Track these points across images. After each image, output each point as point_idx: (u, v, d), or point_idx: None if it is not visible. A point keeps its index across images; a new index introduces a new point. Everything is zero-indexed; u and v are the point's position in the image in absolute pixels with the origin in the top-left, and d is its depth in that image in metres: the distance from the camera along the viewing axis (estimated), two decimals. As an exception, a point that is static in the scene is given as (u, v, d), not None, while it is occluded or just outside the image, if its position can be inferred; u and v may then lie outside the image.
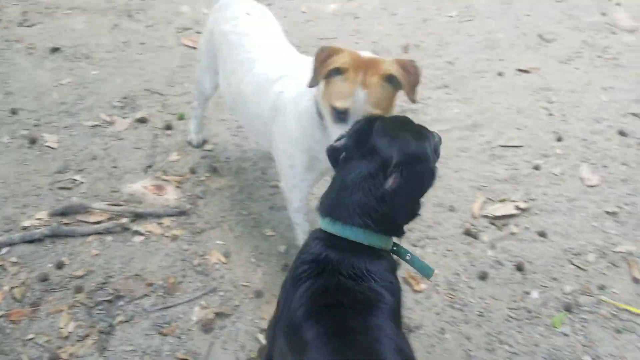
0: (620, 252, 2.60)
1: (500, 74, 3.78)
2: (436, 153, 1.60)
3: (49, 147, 3.02)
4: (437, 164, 1.58)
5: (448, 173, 2.98)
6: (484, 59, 3.94)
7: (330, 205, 1.53)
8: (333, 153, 1.61)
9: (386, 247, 1.56)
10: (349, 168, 1.51)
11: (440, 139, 1.65)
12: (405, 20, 4.38)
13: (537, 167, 3.06)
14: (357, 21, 4.34)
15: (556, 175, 3.02)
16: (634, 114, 3.45)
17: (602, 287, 2.43)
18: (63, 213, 2.63)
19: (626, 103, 3.55)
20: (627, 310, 2.35)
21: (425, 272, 1.65)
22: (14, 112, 3.23)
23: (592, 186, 2.96)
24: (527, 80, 3.74)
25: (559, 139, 3.24)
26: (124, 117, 3.27)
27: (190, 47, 3.93)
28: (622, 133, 3.29)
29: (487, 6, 4.57)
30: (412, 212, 1.56)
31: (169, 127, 3.21)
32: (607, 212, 2.80)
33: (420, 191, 1.54)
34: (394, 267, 1.58)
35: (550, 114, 3.44)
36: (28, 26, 4.04)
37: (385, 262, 1.53)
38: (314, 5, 4.53)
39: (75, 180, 2.83)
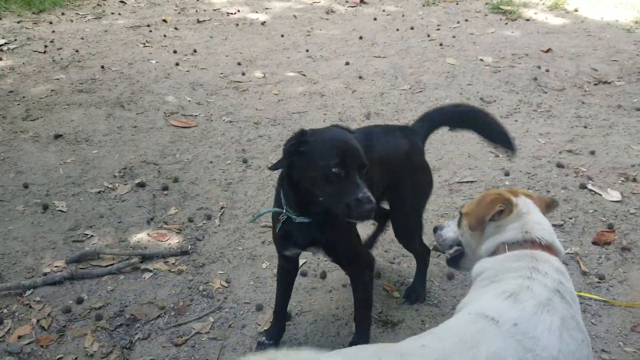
0: (569, 253, 3.03)
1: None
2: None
3: (60, 210, 3.38)
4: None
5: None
6: (437, 119, 4.53)
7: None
8: None
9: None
10: None
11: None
12: (364, 95, 5.00)
13: (490, 197, 3.53)
14: (323, 98, 4.95)
15: (507, 201, 3.49)
16: (569, 151, 4.02)
17: (555, 281, 2.83)
18: (78, 260, 2.95)
19: (561, 143, 4.13)
20: (579, 296, 2.73)
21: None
22: (25, 186, 3.61)
23: (538, 207, 3.43)
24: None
25: (507, 174, 3.76)
26: (124, 184, 3.68)
27: (178, 126, 4.43)
28: (559, 165, 3.83)
29: (435, 80, 5.26)
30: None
31: (165, 188, 3.62)
32: (554, 225, 3.24)
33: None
34: None
35: (497, 156, 3.98)
36: (32, 120, 4.50)
37: None
38: (284, 88, 5.16)
39: (87, 234, 3.18)
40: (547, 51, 5.86)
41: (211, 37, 6.53)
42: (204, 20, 7.10)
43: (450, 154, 4.03)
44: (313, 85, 5.24)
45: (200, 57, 5.92)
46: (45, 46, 6.11)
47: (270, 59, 5.91)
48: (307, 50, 6.09)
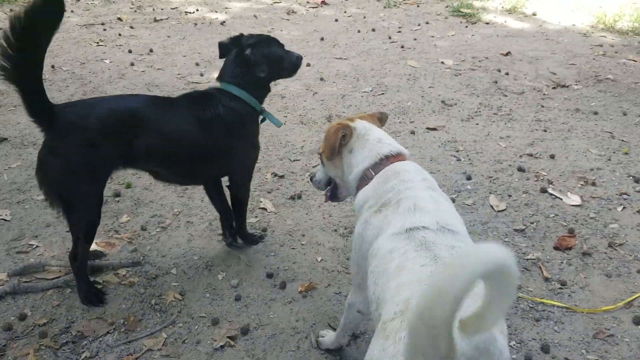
0: (531, 258, 3.01)
1: (412, 132, 4.31)
2: (292, 60, 2.84)
3: (3, 219, 3.17)
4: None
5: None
6: (398, 122, 4.49)
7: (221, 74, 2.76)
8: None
9: (255, 107, 2.71)
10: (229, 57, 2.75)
11: (299, 57, 2.88)
12: (326, 97, 4.92)
13: (452, 200, 3.49)
14: (284, 100, 4.85)
15: (469, 205, 3.47)
16: (529, 154, 4.02)
17: (519, 287, 2.80)
18: (22, 272, 2.76)
19: (522, 147, 4.14)
20: (542, 303, 2.71)
21: (276, 122, 2.83)
22: (-36, 193, 3.39)
23: (500, 211, 3.41)
24: (435, 136, 4.29)
25: (469, 178, 3.73)
26: (74, 190, 3.49)
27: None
28: (520, 169, 3.83)
29: (396, 82, 5.23)
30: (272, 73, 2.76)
31: (117, 195, 3.45)
32: (516, 230, 3.24)
33: (273, 65, 2.74)
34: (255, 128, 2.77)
35: (459, 160, 3.96)
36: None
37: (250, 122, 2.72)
38: (244, 91, 5.03)
39: (32, 245, 2.99)
40: (507, 55, 5.90)
41: (168, 36, 6.34)
42: (161, 19, 6.90)
43: (412, 157, 3.97)
44: (273, 87, 5.12)
45: (156, 57, 5.73)
46: None
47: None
48: (267, 51, 5.96)
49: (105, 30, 6.44)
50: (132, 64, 5.47)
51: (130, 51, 5.82)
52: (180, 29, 6.65)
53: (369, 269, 1.77)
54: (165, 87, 5.01)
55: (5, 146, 3.96)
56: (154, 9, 7.27)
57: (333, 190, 2.33)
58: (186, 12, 7.20)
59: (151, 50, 5.86)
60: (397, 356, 1.35)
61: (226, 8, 7.46)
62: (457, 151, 4.07)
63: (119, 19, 6.82)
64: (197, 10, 7.32)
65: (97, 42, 6.03)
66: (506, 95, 4.99)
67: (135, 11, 7.19)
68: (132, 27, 6.56)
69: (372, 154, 2.04)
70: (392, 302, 1.50)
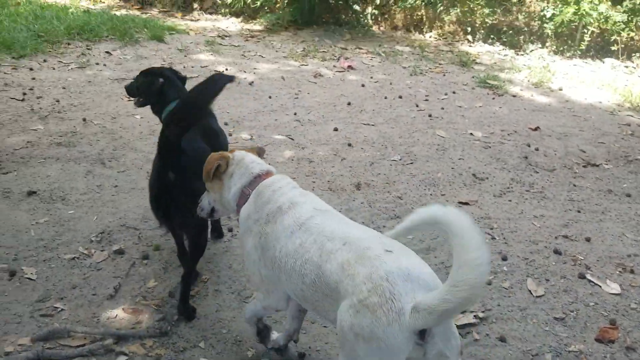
0: (574, 351, 2.87)
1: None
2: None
3: (29, 278, 3.10)
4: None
5: (410, 290, 3.25)
6: (428, 194, 4.43)
7: None
8: None
9: None
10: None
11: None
12: (354, 163, 4.90)
13: (488, 283, 3.38)
14: (312, 164, 4.82)
15: (506, 288, 3.35)
16: (564, 236, 3.93)
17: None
18: (46, 338, 2.66)
19: (557, 228, 4.05)
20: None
21: None
22: (-9, 248, 3.33)
23: (539, 297, 3.29)
24: (467, 210, 4.22)
25: (504, 259, 3.63)
26: (101, 250, 3.42)
27: (161, 188, 4.22)
28: (557, 252, 3.72)
29: (425, 152, 5.21)
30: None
31: (146, 257, 3.38)
32: (556, 318, 3.11)
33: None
34: None
35: (493, 238, 3.87)
36: (3, 173, 4.24)
37: None
38: (272, 152, 5.02)
39: (57, 307, 2.90)
40: (536, 129, 5.90)
41: (198, 94, 6.41)
42: (191, 77, 6.98)
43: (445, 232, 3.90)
44: (301, 151, 5.12)
45: (186, 114, 5.77)
46: (24, 94, 5.90)
47: (258, 120, 5.80)
48: (295, 114, 6.01)
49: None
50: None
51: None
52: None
53: (287, 268, 2.15)
54: (194, 146, 5.01)
55: (34, 200, 3.93)
56: (184, 67, 7.39)
57: (211, 211, 2.61)
58: (215, 71, 7.32)
59: (181, 108, 5.90)
60: (392, 324, 1.74)
61: (254, 69, 7.58)
62: (491, 229, 3.99)
63: (150, 74, 6.94)
64: (227, 69, 7.44)
65: (129, 97, 6.09)
66: (537, 172, 4.94)
67: (166, 67, 7.32)
68: (162, 83, 6.65)
69: (246, 174, 2.43)
70: (352, 281, 1.88)
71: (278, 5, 10.09)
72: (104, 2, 11.09)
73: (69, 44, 7.82)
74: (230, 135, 5.33)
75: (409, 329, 1.73)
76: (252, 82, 7.02)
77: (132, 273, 3.24)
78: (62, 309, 2.89)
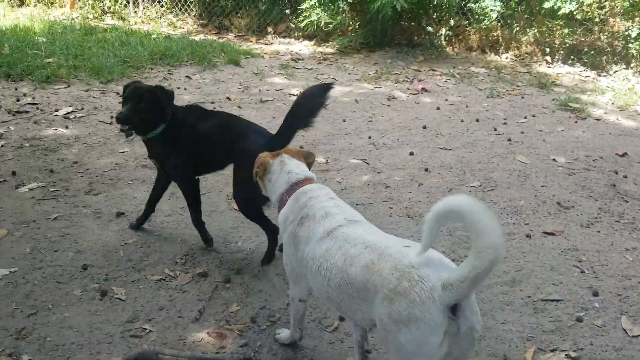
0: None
1: (528, 236, 4.09)
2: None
3: (119, 298, 3.22)
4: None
5: (496, 325, 3.14)
6: (511, 223, 4.28)
7: None
8: None
9: None
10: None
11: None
12: (432, 189, 4.81)
13: (579, 320, 3.21)
14: (388, 190, 4.78)
15: (599, 326, 3.17)
16: (661, 271, 3.69)
17: None
18: (137, 359, 2.74)
19: (651, 262, 3.81)
20: None
21: None
22: (84, 267, 3.48)
23: (635, 336, 3.08)
24: (554, 242, 4.04)
25: (595, 294, 3.44)
26: (185, 272, 3.51)
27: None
28: (653, 288, 3.49)
29: (505, 178, 5.05)
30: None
31: (228, 281, 3.44)
32: (655, 363, 2.90)
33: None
34: None
35: (582, 272, 3.68)
36: (94, 194, 4.45)
37: None
38: (347, 176, 5.02)
39: (145, 329, 2.99)
40: (623, 155, 5.61)
41: (273, 117, 6.54)
42: (267, 100, 7.15)
43: (530, 264, 3.75)
44: (377, 175, 5.09)
45: (263, 137, 5.89)
46: (112, 117, 6.20)
47: (333, 143, 5.83)
48: (369, 137, 6.00)
49: (215, 108, 6.73)
50: (240, 144, 5.63)
51: (238, 131, 6.01)
52: (285, 110, 6.74)
53: (312, 270, 2.40)
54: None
55: (122, 221, 4.10)
56: (260, 90, 7.57)
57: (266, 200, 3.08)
58: (290, 94, 7.44)
59: (258, 131, 6.03)
60: (426, 301, 1.93)
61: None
62: (580, 261, 3.79)
63: (228, 98, 7.14)
64: (299, 92, 7.56)
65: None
66: (627, 201, 4.68)
67: (243, 91, 7.51)
68: (239, 107, 6.83)
69: (285, 182, 2.66)
70: (380, 276, 2.08)
71: (350, 28, 10.18)
72: (183, 28, 11.57)
73: (152, 68, 8.19)
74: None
75: (443, 304, 1.92)
76: (326, 105, 7.07)
77: (215, 296, 3.30)
78: (150, 331, 2.98)
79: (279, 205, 2.69)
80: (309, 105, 3.57)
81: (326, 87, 3.61)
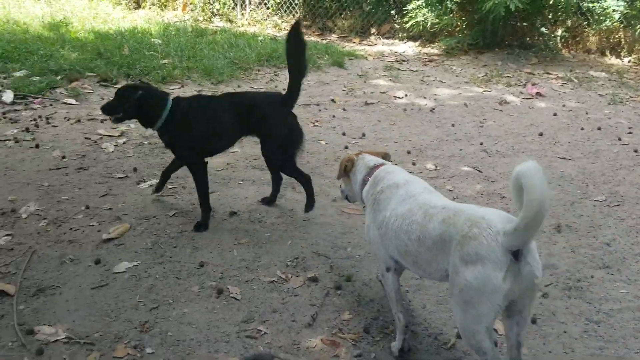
0: None
1: (663, 257, 3.72)
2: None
3: (234, 298, 3.27)
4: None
5: (628, 354, 2.87)
6: (643, 242, 3.92)
7: None
8: None
9: None
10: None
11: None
12: (552, 202, 4.51)
13: None
14: (504, 200, 4.55)
15: None
16: None
17: None
18: (253, 361, 2.76)
19: None
20: None
21: None
22: (201, 265, 3.58)
23: None
24: (694, 265, 3.65)
25: None
26: (297, 275, 3.52)
27: (350, 214, 4.27)
28: None
29: (634, 193, 4.65)
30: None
31: (338, 288, 3.40)
32: None
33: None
34: None
35: None
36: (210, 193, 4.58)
37: None
38: (459, 184, 4.84)
39: (260, 330, 3.01)
40: None
41: (379, 120, 6.46)
42: (372, 103, 7.09)
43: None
44: (491, 185, 4.86)
45: (368, 141, 5.83)
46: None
47: (442, 149, 5.65)
48: (481, 144, 5.76)
49: (320, 111, 6.77)
50: (346, 147, 5.60)
51: (344, 134, 6.00)
52: (390, 113, 6.75)
53: (394, 227, 2.70)
54: (379, 174, 5.02)
55: (235, 220, 4.19)
56: (364, 92, 7.52)
57: (346, 196, 3.42)
58: (395, 97, 7.33)
59: (363, 135, 5.98)
60: (491, 243, 2.23)
61: (435, 95, 7.46)
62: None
63: (332, 100, 7.15)
64: (406, 95, 7.42)
65: (313, 123, 6.32)
66: None
67: (347, 94, 7.50)
68: (344, 110, 6.81)
69: (365, 167, 3.12)
70: (454, 227, 2.39)
71: (458, 28, 9.89)
72: (287, 29, 11.79)
73: (259, 70, 8.38)
74: (414, 164, 5.26)
75: (504, 247, 2.21)
76: (433, 108, 6.90)
77: (327, 303, 3.27)
78: (264, 332, 2.99)
79: (361, 188, 3.11)
80: (295, 55, 3.99)
81: (295, 30, 3.99)
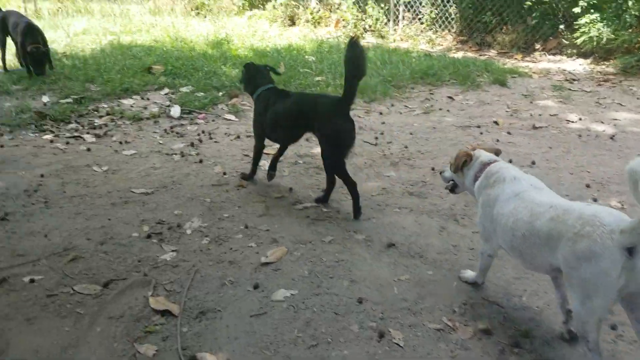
0: None
1: None
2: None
3: (397, 344, 2.99)
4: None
5: None
6: None
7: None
8: None
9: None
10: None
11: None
12: None
13: None
14: None
15: None
16: None
17: None
18: None
19: None
20: None
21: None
22: (360, 301, 3.36)
23: None
24: None
25: None
26: (466, 325, 3.15)
27: (522, 258, 3.80)
28: None
29: None
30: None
31: (516, 345, 2.97)
32: None
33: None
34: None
35: None
36: (364, 219, 4.38)
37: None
38: None
39: (427, 387, 2.70)
40: None
41: (550, 147, 5.85)
42: (540, 127, 6.47)
43: None
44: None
45: (539, 170, 5.27)
46: (376, 138, 6.20)
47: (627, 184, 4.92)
48: (677, 180, 4.93)
49: (481, 133, 6.31)
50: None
51: (510, 161, 5.48)
52: (563, 139, 6.09)
53: (501, 224, 2.98)
54: (553, 209, 4.48)
55: (393, 253, 3.92)
56: (531, 115, 6.91)
57: (453, 188, 3.67)
58: (567, 121, 6.63)
59: (533, 163, 5.43)
60: (606, 241, 2.37)
61: (614, 119, 6.63)
62: None
63: (495, 122, 6.65)
64: (580, 119, 6.69)
65: (474, 148, 5.87)
66: None
67: (511, 115, 6.94)
68: (509, 133, 6.29)
69: (479, 164, 3.32)
70: (564, 224, 2.56)
71: (638, 45, 8.82)
72: (441, 45, 11.39)
73: (413, 88, 8.11)
74: (595, 200, 4.63)
75: (620, 245, 2.32)
76: (613, 135, 6.12)
77: (502, 362, 2.87)
78: (432, 391, 2.68)
79: (473, 183, 3.33)
80: (354, 63, 4.14)
81: (353, 43, 4.16)
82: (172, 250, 3.92)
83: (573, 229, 2.47)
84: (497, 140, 6.05)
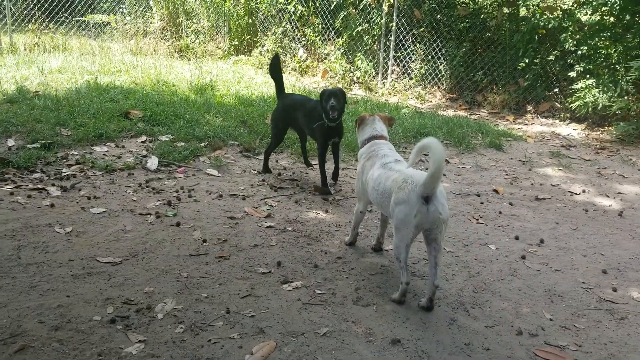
0: None
1: None
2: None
3: None
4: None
5: None
6: None
7: None
8: None
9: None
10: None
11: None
12: None
13: None
14: None
15: None
16: None
17: None
18: None
19: None
20: None
21: None
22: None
23: None
24: None
25: None
26: None
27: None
28: None
29: None
30: None
31: None
32: None
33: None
34: None
35: None
36: (363, 305, 3.86)
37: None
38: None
39: None
40: None
41: (557, 223, 5.45)
42: (544, 198, 6.09)
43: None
44: None
45: (549, 250, 4.84)
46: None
47: (649, 275, 4.51)
48: (699, 267, 4.56)
49: (482, 203, 5.89)
50: (523, 257, 4.66)
51: (516, 237, 5.06)
52: (569, 214, 5.71)
53: (370, 187, 4.15)
54: (571, 301, 4.02)
55: (399, 351, 3.38)
56: (532, 184, 6.54)
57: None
58: (571, 193, 6.28)
59: (542, 241, 5.00)
60: (411, 192, 3.59)
61: (619, 193, 6.30)
62: None
63: (495, 191, 6.25)
64: (584, 191, 6.34)
65: (477, 219, 5.46)
66: None
67: (511, 183, 6.56)
68: (511, 204, 5.89)
69: (368, 133, 4.49)
70: (397, 183, 3.75)
71: (635, 112, 8.65)
72: (431, 101, 11.15)
73: (406, 147, 7.72)
74: (615, 291, 4.20)
75: (419, 194, 3.53)
76: (621, 212, 5.76)
77: None
78: None
79: (361, 146, 4.50)
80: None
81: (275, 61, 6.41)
82: (140, 341, 3.33)
83: (397, 185, 3.71)
84: (500, 212, 5.63)
